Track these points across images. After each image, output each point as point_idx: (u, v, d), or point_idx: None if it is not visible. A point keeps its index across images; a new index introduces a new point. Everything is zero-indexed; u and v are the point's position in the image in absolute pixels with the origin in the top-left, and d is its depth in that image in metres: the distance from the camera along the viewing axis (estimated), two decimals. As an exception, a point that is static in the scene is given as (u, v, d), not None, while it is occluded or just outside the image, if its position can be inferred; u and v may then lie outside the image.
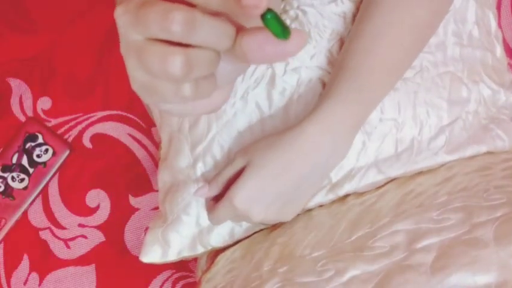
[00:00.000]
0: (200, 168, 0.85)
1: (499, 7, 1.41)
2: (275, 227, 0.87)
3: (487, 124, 0.84)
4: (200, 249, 0.87)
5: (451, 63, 0.85)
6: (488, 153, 0.83)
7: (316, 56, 0.84)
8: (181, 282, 1.41)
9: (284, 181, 0.76)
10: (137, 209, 1.43)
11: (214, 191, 0.81)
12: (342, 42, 0.85)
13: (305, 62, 0.84)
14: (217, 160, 0.85)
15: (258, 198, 0.76)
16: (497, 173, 0.75)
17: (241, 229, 0.86)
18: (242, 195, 0.75)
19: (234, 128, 0.82)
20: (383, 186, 0.82)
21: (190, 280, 1.41)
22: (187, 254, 0.88)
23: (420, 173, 0.82)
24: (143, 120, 1.46)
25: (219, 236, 0.87)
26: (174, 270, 1.41)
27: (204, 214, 0.86)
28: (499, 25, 1.07)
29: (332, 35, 0.85)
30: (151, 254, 0.87)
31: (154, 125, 1.42)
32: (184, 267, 1.41)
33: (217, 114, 0.83)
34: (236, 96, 0.83)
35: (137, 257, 1.39)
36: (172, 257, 0.88)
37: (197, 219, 0.85)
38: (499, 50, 0.93)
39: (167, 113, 0.64)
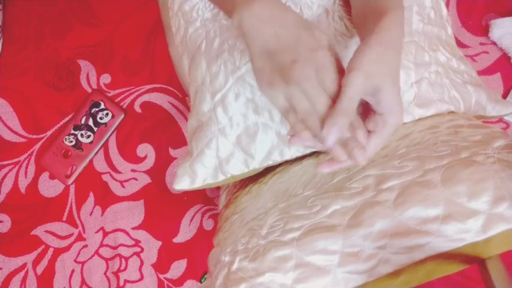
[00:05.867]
0: (219, 111, 0.81)
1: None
2: (275, 172, 0.86)
3: (446, 83, 0.83)
4: (221, 177, 0.83)
5: (416, 35, 0.83)
6: (438, 115, 0.81)
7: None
8: (208, 214, 1.41)
9: None
10: (175, 158, 1.43)
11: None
12: None
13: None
14: (232, 104, 0.81)
15: None
16: (443, 130, 0.74)
17: (254, 160, 0.83)
18: None
19: (245, 81, 0.79)
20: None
21: (215, 212, 1.41)
22: (210, 181, 0.84)
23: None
24: (180, 91, 1.45)
25: (235, 165, 0.83)
26: (203, 204, 1.42)
27: (222, 147, 0.82)
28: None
29: None
30: (182, 183, 0.84)
31: (187, 95, 1.41)
32: (210, 202, 1.42)
33: (233, 71, 0.81)
34: (246, 58, 0.80)
35: (176, 194, 1.41)
36: (198, 184, 0.84)
37: (217, 152, 0.82)
38: (450, 30, 0.92)
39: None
